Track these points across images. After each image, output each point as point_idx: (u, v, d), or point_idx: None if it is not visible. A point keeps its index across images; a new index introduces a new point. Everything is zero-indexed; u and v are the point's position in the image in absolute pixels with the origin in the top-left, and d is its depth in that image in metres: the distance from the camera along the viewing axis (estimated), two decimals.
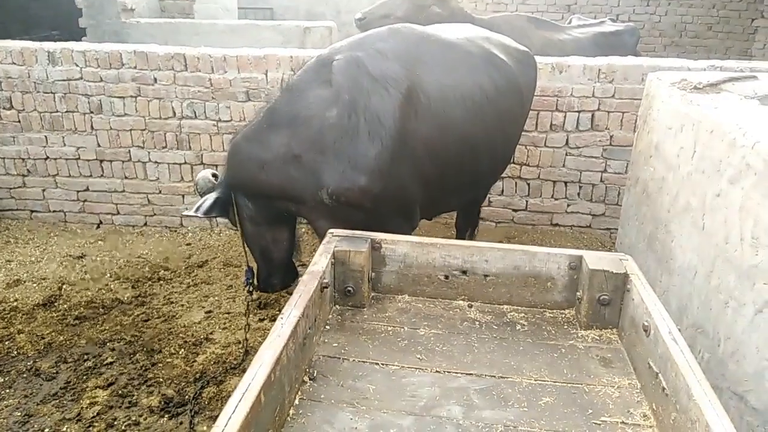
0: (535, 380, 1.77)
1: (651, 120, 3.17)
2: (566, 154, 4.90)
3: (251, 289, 3.29)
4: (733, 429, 1.28)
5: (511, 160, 4.92)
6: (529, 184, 5.07)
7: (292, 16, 10.66)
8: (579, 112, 4.75)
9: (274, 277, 3.36)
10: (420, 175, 2.98)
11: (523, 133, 4.82)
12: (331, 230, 2.21)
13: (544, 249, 2.15)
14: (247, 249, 3.28)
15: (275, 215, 3.14)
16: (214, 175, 3.25)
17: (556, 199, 5.08)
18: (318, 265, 1.97)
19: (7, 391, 3.21)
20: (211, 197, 3.05)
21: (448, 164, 3.09)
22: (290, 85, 2.96)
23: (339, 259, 2.08)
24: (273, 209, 3.12)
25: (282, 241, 3.26)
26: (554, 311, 2.16)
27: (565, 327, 2.07)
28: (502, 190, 5.10)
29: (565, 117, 4.78)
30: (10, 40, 5.29)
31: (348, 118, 2.77)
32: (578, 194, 5.02)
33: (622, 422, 1.59)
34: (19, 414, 3.03)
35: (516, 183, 5.07)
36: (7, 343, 3.61)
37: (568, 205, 5.07)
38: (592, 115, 4.75)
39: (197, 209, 3.01)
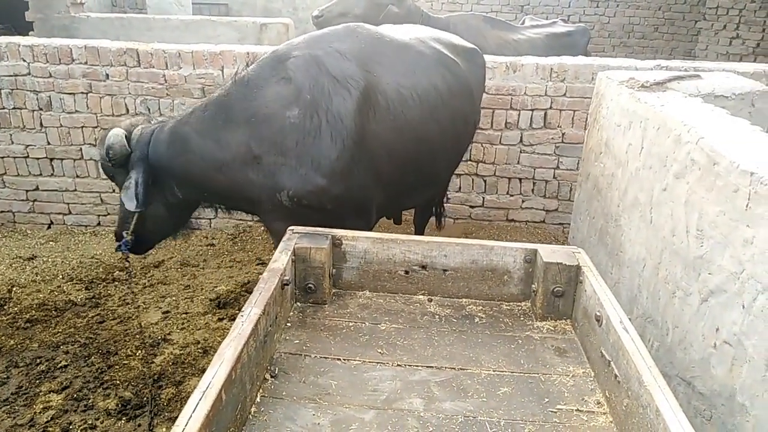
0: (494, 371, 1.82)
1: (601, 117, 3.28)
2: (520, 152, 5.01)
3: (127, 257, 3.16)
4: (681, 413, 1.34)
5: (465, 158, 5.01)
6: (485, 181, 5.16)
7: (248, 12, 10.51)
8: (532, 110, 4.86)
9: (150, 245, 3.34)
10: (378, 175, 2.99)
11: (478, 130, 4.91)
12: (291, 227, 2.21)
13: (501, 243, 2.21)
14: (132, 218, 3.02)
15: (194, 202, 3.14)
16: (127, 137, 2.93)
17: (511, 196, 5.18)
18: (278, 262, 1.97)
19: None
20: (139, 182, 2.85)
21: (406, 164, 3.11)
22: (245, 79, 2.87)
23: (300, 256, 2.08)
24: (198, 199, 3.10)
25: (182, 223, 3.26)
26: (511, 304, 2.22)
27: (522, 319, 2.13)
28: (460, 187, 5.18)
29: (519, 115, 4.89)
30: None
31: (310, 119, 2.74)
32: (532, 190, 5.14)
33: (577, 410, 1.65)
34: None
35: (473, 180, 5.15)
36: None
37: (523, 201, 5.19)
38: (545, 114, 4.87)
39: (136, 202, 2.83)
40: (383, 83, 2.95)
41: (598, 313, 1.81)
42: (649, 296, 2.44)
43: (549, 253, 2.10)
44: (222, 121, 2.83)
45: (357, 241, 2.19)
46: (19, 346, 3.51)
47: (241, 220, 5.14)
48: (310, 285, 2.11)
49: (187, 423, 1.24)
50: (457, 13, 7.16)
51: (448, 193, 5.17)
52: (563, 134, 4.92)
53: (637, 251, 2.61)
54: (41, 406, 3.03)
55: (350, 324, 2.03)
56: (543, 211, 5.21)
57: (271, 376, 1.72)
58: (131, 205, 2.83)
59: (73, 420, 2.94)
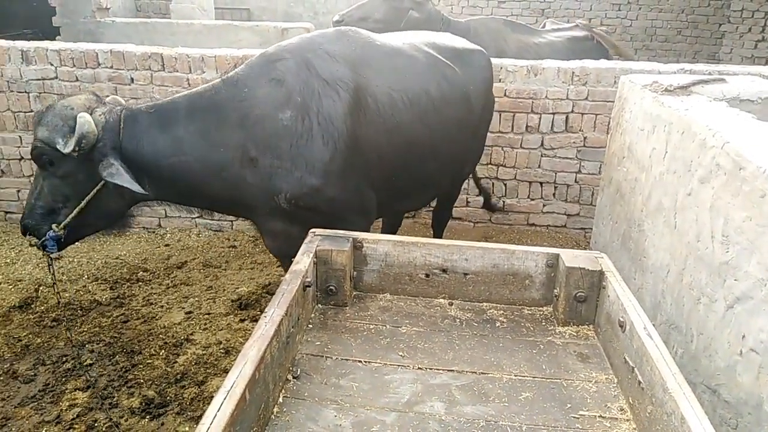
0: (515, 376, 1.81)
1: (624, 122, 3.25)
2: (541, 155, 4.99)
3: (50, 257, 2.87)
4: (707, 420, 1.32)
5: (485, 161, 5.00)
6: (505, 185, 5.14)
7: (269, 17, 10.62)
8: (553, 114, 4.84)
9: (74, 242, 3.01)
10: (370, 178, 3.00)
11: (499, 134, 4.91)
12: (313, 229, 2.23)
13: (522, 247, 2.20)
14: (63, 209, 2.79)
15: (152, 198, 2.94)
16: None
17: (532, 200, 5.16)
18: (300, 264, 1.98)
19: None
20: (122, 170, 2.65)
21: (395, 167, 3.11)
22: (234, 79, 2.84)
23: (321, 258, 2.10)
24: (172, 199, 2.97)
25: (128, 217, 3.06)
26: (532, 308, 2.20)
27: (543, 324, 2.11)
28: (480, 191, 5.16)
29: (540, 119, 4.87)
30: None
31: (302, 121, 2.75)
32: (553, 194, 5.11)
33: (600, 416, 1.64)
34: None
35: (493, 183, 5.14)
36: None
37: (544, 206, 5.16)
38: (567, 117, 4.84)
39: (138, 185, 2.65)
40: (373, 86, 2.95)
41: (621, 319, 1.79)
42: (673, 302, 2.41)
43: (571, 257, 2.09)
44: (215, 122, 2.77)
45: (378, 244, 2.20)
46: (45, 345, 3.59)
47: None
48: (331, 287, 2.12)
49: (212, 421, 1.26)
50: (477, 17, 7.15)
51: (467, 197, 5.17)
52: (585, 138, 4.88)
53: (660, 257, 2.58)
54: (67, 404, 3.09)
55: (371, 326, 2.04)
56: (564, 215, 5.17)
57: (293, 377, 1.74)
58: (138, 188, 2.65)
59: (98, 418, 2.99)
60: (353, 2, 6.32)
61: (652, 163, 2.77)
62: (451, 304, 2.21)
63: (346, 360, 1.85)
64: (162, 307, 4.01)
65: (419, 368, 1.83)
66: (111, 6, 7.79)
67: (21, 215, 2.88)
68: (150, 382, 3.25)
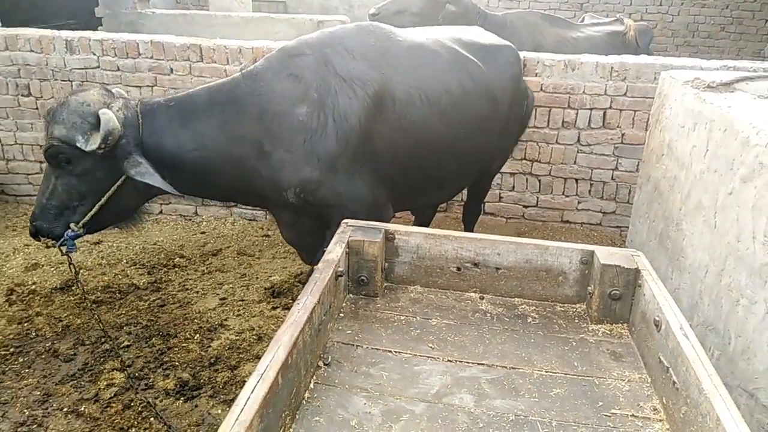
0: (546, 372, 1.80)
1: (663, 118, 3.18)
2: (578, 152, 4.92)
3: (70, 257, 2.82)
4: (743, 423, 1.29)
5: (519, 157, 4.96)
6: (540, 181, 5.09)
7: (305, 9, 10.68)
8: (591, 109, 4.76)
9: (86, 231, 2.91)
10: (383, 173, 2.99)
11: (534, 129, 4.86)
12: (345, 220, 2.25)
13: (556, 243, 2.17)
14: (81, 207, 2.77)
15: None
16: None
17: (567, 196, 5.09)
18: (333, 253, 2.00)
19: (27, 370, 3.29)
20: (151, 169, 2.64)
21: (410, 165, 3.09)
22: (253, 74, 2.85)
23: (353, 249, 2.11)
24: (193, 192, 2.98)
25: (141, 212, 3.07)
26: (565, 305, 2.18)
27: (576, 321, 2.09)
28: (513, 186, 5.13)
29: (576, 114, 4.80)
30: (29, 28, 5.36)
31: (317, 117, 2.76)
32: (589, 191, 5.04)
33: (632, 415, 1.62)
34: (38, 393, 3.11)
35: (527, 179, 5.09)
36: (26, 324, 3.69)
37: (579, 203, 5.09)
38: (604, 113, 4.77)
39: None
40: (391, 83, 2.94)
41: (657, 318, 1.76)
42: (711, 303, 2.36)
43: (606, 255, 2.06)
44: (234, 116, 2.79)
45: (410, 236, 2.21)
46: (85, 326, 3.71)
47: None
48: (362, 277, 2.14)
49: (246, 403, 1.29)
50: (514, 11, 7.07)
51: (500, 192, 5.14)
52: (623, 135, 4.79)
53: (699, 257, 2.53)
54: (105, 383, 3.19)
55: (401, 318, 2.05)
56: (600, 213, 5.09)
57: (325, 364, 1.76)
58: (171, 189, 2.69)
59: (134, 397, 3.08)
60: None
61: (693, 160, 2.71)
62: (482, 298, 2.20)
63: (377, 349, 1.87)
64: (197, 292, 4.10)
65: (449, 360, 1.83)
66: None
67: (30, 216, 2.81)
68: (185, 365, 3.33)
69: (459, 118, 3.18)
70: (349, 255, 2.12)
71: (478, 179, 3.94)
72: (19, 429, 2.90)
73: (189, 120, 2.77)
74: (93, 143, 2.55)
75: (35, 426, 2.92)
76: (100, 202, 2.71)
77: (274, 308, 3.88)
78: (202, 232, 5.08)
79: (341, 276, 2.03)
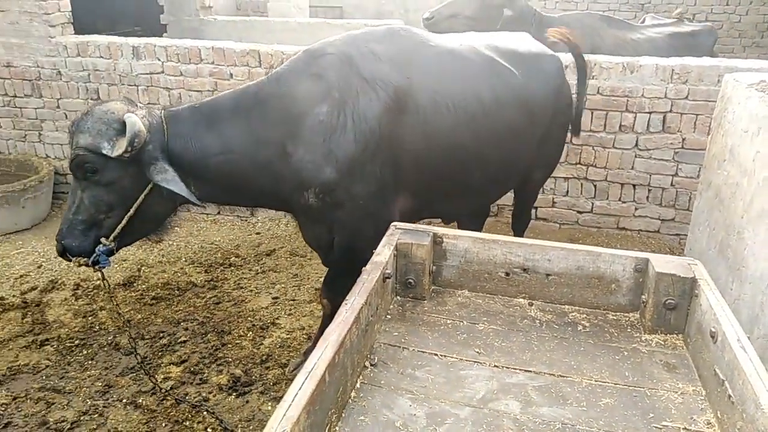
0: (595, 381, 1.77)
1: (726, 123, 3.06)
2: (635, 156, 4.78)
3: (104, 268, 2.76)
4: None
5: (574, 161, 4.86)
6: (595, 186, 4.97)
7: (361, 14, 10.80)
8: (650, 113, 4.62)
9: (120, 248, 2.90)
10: (403, 178, 2.94)
11: (589, 133, 4.76)
12: (394, 223, 2.27)
13: (609, 250, 2.13)
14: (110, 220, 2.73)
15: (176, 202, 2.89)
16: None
17: (623, 202, 4.96)
18: (381, 256, 2.03)
19: (90, 362, 3.47)
20: (176, 177, 2.64)
21: (434, 172, 3.02)
22: (278, 75, 2.86)
23: (401, 251, 2.13)
24: (216, 199, 2.98)
25: (170, 221, 3.01)
26: (618, 314, 2.13)
27: (629, 330, 2.04)
28: (567, 191, 5.03)
29: (635, 118, 4.67)
30: (98, 35, 5.64)
31: (337, 117, 2.73)
32: (647, 198, 4.88)
33: (685, 428, 1.57)
34: (99, 384, 3.27)
35: (582, 184, 4.98)
36: (90, 318, 3.89)
37: (636, 209, 4.94)
38: (664, 117, 4.61)
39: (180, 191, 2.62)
40: (416, 88, 2.88)
41: (713, 329, 1.70)
42: None
43: (662, 263, 2.00)
44: (259, 119, 2.78)
45: (458, 240, 2.21)
46: (145, 320, 3.88)
47: None
48: (410, 280, 2.16)
49: (294, 399, 1.33)
50: (571, 12, 6.94)
51: (553, 197, 5.05)
52: (683, 139, 4.63)
53: (761, 267, 2.42)
54: (162, 376, 3.33)
55: (448, 321, 2.06)
56: (658, 220, 4.93)
57: (371, 365, 1.78)
58: (195, 199, 2.66)
59: (189, 392, 3.21)
60: None
61: (756, 167, 2.60)
62: (531, 305, 2.18)
63: (423, 352, 1.88)
64: (251, 291, 4.22)
65: (495, 366, 1.82)
66: (213, 5, 8.20)
67: (57, 234, 2.75)
68: (237, 362, 3.44)
69: (489, 128, 3.09)
70: (397, 257, 2.14)
71: (520, 189, 3.87)
72: (81, 417, 3.05)
73: (214, 124, 2.77)
74: (119, 148, 2.53)
75: (96, 415, 3.08)
76: (129, 213, 2.67)
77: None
78: (257, 233, 5.22)
79: (389, 278, 2.05)
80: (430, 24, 5.91)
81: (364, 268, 1.96)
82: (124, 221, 2.68)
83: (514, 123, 3.22)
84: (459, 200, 3.44)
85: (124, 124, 2.53)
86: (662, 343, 1.96)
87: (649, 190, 4.86)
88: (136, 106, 2.75)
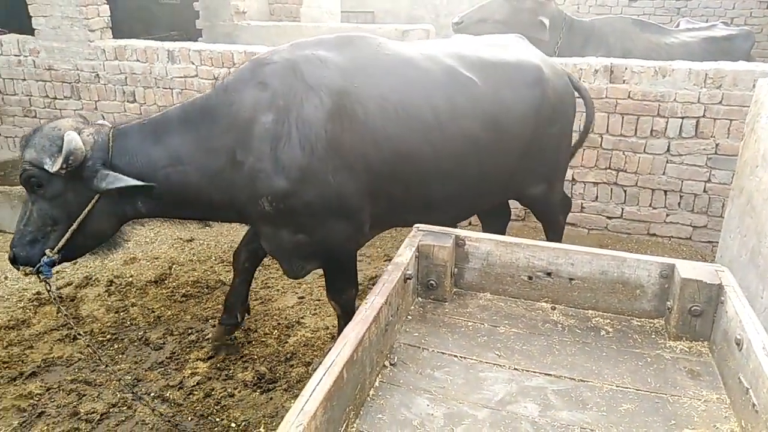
0: (617, 386, 1.75)
1: (759, 128, 2.99)
2: (667, 162, 4.70)
3: (48, 283, 2.81)
4: None
5: (604, 166, 4.79)
6: (625, 191, 4.90)
7: (392, 19, 10.85)
8: (682, 118, 4.54)
9: (69, 260, 3.02)
10: (361, 187, 2.91)
11: (620, 137, 4.70)
12: (416, 224, 2.28)
13: (634, 255, 2.11)
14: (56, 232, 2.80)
15: (143, 215, 2.97)
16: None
17: (654, 208, 4.87)
18: (402, 256, 2.04)
19: (121, 356, 3.57)
20: (119, 174, 2.69)
21: (388, 179, 2.97)
22: (225, 85, 2.89)
23: (423, 253, 2.15)
24: (165, 213, 3.00)
25: (120, 237, 3.06)
26: (642, 320, 2.11)
27: (653, 336, 2.02)
28: (597, 196, 4.97)
29: (666, 123, 4.59)
30: (135, 40, 5.81)
31: (282, 125, 2.74)
32: (678, 204, 4.79)
33: None
34: (129, 378, 3.36)
35: (611, 189, 4.92)
36: (122, 314, 4.00)
37: (667, 215, 4.86)
38: (697, 122, 4.53)
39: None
40: (364, 95, 2.85)
41: (738, 337, 1.67)
42: None
43: (688, 269, 1.97)
44: (208, 129, 2.81)
45: (480, 242, 2.21)
46: (175, 317, 3.97)
47: None
48: (431, 282, 2.17)
49: (311, 394, 1.36)
50: (603, 16, 6.86)
51: (582, 202, 4.99)
52: (717, 145, 4.53)
53: None
54: (189, 372, 3.40)
55: (469, 324, 2.06)
56: (690, 226, 4.83)
57: (390, 364, 1.80)
58: (138, 182, 2.66)
59: (215, 387, 3.27)
60: (476, 3, 6.31)
61: None
62: (553, 309, 2.17)
63: (442, 353, 1.89)
64: (278, 290, 4.28)
65: (515, 369, 1.82)
66: (247, 10, 8.35)
67: (10, 243, 2.84)
68: (263, 359, 3.50)
69: (445, 138, 3.02)
70: (418, 259, 2.15)
71: (525, 204, 3.72)
72: (110, 410, 3.14)
73: (162, 137, 2.81)
74: (57, 164, 2.61)
75: (125, 408, 3.16)
76: (72, 227, 2.74)
77: None
78: None
79: (410, 279, 2.06)
80: (459, 28, 5.91)
81: (385, 269, 1.98)
82: (67, 234, 2.76)
83: (475, 135, 3.11)
84: (429, 212, 3.28)
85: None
86: (687, 350, 1.93)
87: (681, 196, 4.77)
88: (88, 123, 2.84)
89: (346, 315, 3.15)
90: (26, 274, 2.81)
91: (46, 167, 2.64)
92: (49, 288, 2.82)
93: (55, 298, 2.86)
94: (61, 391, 3.27)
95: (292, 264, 3.12)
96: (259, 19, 8.68)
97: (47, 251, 2.77)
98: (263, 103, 2.78)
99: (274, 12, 10.25)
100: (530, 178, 3.54)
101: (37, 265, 2.76)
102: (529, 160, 3.41)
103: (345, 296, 3.20)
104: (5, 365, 3.45)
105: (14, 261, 2.84)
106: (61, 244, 2.77)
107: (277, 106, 2.76)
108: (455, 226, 3.18)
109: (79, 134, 2.66)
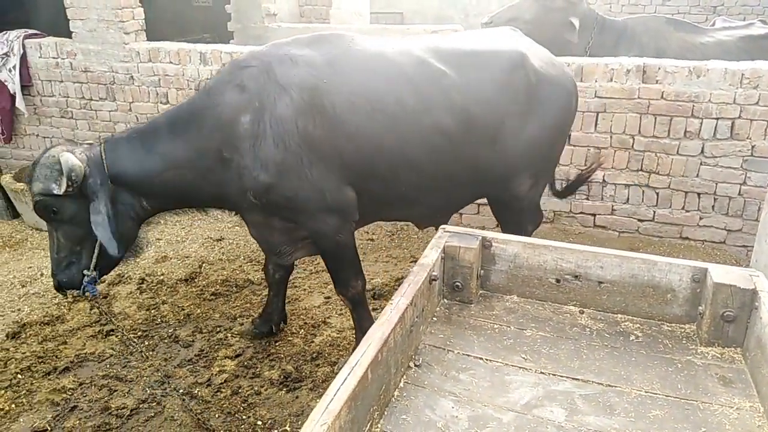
0: (645, 392, 1.72)
1: None
2: (701, 164, 4.59)
3: (96, 299, 3.00)
4: None
5: (636, 168, 4.71)
6: (657, 194, 4.80)
7: (421, 19, 10.84)
8: (717, 119, 4.43)
9: (109, 271, 3.25)
10: (342, 181, 3.02)
11: (651, 139, 4.61)
12: (443, 226, 2.28)
13: (665, 259, 2.07)
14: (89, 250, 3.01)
15: (157, 210, 3.18)
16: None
17: (687, 211, 4.77)
18: (428, 258, 2.04)
19: (151, 353, 3.64)
20: (110, 215, 2.89)
21: (367, 174, 3.07)
22: (208, 88, 3.06)
23: (449, 254, 2.14)
24: (168, 207, 3.21)
25: (141, 239, 3.26)
26: (673, 325, 2.07)
27: (684, 342, 1.98)
28: (628, 199, 4.88)
29: (701, 124, 4.48)
30: (168, 42, 5.91)
31: (258, 124, 2.89)
32: (712, 207, 4.68)
33: None
34: (159, 374, 3.42)
35: (643, 191, 4.83)
36: (153, 311, 4.08)
37: (701, 218, 4.74)
38: (732, 123, 4.41)
39: (116, 243, 2.87)
40: (333, 90, 2.94)
41: None
42: None
43: (721, 273, 1.92)
44: (196, 131, 2.98)
45: (507, 244, 2.19)
46: (204, 315, 4.03)
47: None
48: (457, 283, 2.16)
49: (336, 393, 1.37)
50: (636, 15, 6.74)
51: (613, 204, 4.91)
52: (753, 147, 4.41)
53: None
54: (217, 369, 3.46)
55: (495, 326, 2.05)
56: (724, 230, 4.71)
57: (415, 365, 1.80)
58: (113, 248, 2.84)
59: (242, 385, 3.31)
60: (506, 3, 6.26)
61: None
62: (582, 312, 2.14)
63: (468, 356, 1.88)
64: (305, 290, 4.32)
65: (542, 372, 1.81)
66: (278, 12, 8.42)
67: (50, 272, 3.06)
68: (289, 358, 3.53)
69: (414, 131, 3.07)
70: (444, 260, 2.14)
71: (505, 203, 3.56)
72: (140, 405, 3.21)
73: (153, 143, 2.99)
74: (62, 185, 2.78)
75: (154, 404, 3.22)
76: (98, 242, 2.92)
77: (374, 309, 3.97)
78: None
79: (435, 280, 2.06)
80: (489, 28, 5.87)
81: (411, 270, 1.98)
82: (96, 249, 2.96)
83: (446, 125, 3.10)
84: (411, 207, 3.39)
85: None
86: (719, 356, 1.89)
87: (715, 199, 4.66)
88: (77, 146, 2.99)
89: (356, 307, 3.32)
90: (75, 298, 3.02)
91: (54, 192, 2.82)
92: (98, 306, 3.05)
93: (102, 312, 3.04)
94: (93, 386, 3.35)
95: (281, 257, 3.34)
96: (290, 21, 8.76)
97: (85, 271, 2.99)
98: (242, 104, 2.93)
99: (304, 14, 10.33)
100: (511, 171, 3.39)
101: (82, 287, 2.99)
102: (508, 149, 3.29)
103: (352, 289, 3.30)
104: (40, 360, 3.56)
105: (60, 288, 3.05)
106: (94, 260, 2.98)
107: (254, 107, 2.91)
108: (446, 222, 3.22)
109: (72, 154, 2.84)
